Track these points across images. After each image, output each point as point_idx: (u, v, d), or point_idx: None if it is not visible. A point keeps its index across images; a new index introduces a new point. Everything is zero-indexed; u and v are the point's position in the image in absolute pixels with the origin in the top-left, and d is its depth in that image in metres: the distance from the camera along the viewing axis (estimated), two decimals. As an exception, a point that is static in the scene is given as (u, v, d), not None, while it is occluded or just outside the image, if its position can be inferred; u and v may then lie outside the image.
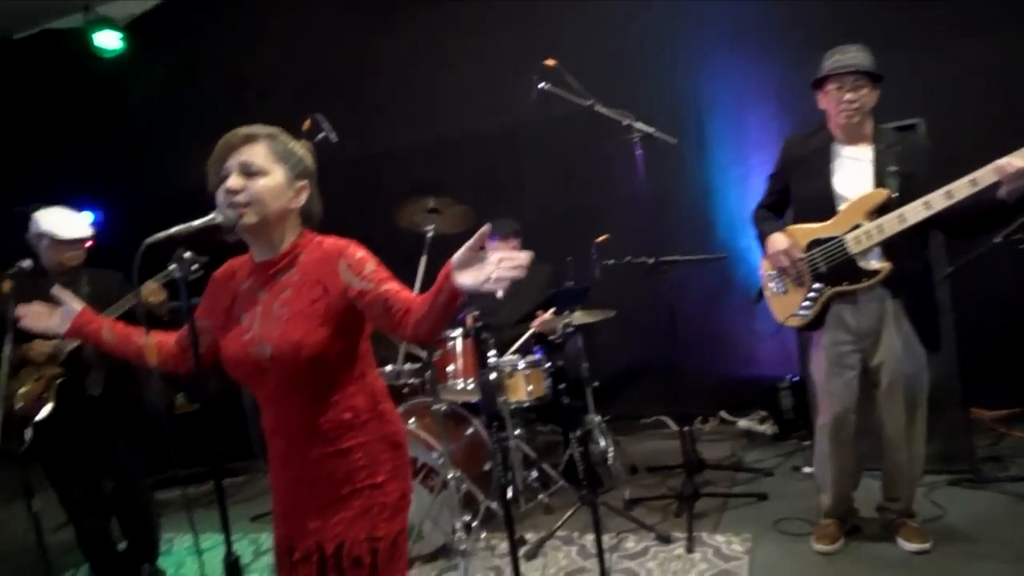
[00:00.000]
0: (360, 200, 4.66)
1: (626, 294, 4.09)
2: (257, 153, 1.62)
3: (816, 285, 2.73)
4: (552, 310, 3.81)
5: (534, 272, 4.02)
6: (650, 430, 4.67)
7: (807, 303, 2.76)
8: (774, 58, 4.23)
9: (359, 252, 1.65)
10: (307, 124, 3.87)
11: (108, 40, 5.37)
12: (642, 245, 3.76)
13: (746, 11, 4.24)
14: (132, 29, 5.47)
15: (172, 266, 3.03)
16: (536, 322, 3.82)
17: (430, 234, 3.63)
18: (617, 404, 4.59)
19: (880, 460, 2.88)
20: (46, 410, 3.16)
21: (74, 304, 1.87)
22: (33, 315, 1.92)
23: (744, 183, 4.39)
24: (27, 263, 3.06)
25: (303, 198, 1.68)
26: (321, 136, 3.82)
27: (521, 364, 3.64)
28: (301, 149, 1.72)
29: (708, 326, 4.34)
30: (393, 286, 1.59)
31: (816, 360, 2.83)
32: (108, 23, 5.37)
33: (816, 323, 2.78)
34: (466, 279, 1.38)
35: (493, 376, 2.63)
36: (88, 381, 3.26)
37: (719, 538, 3.11)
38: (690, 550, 3.03)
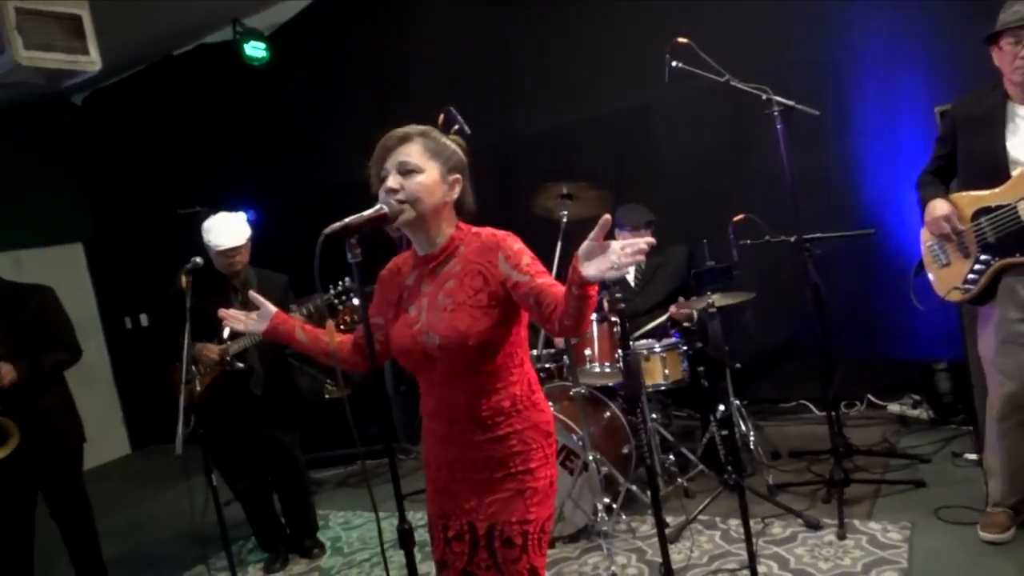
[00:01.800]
0: (496, 188, 4.75)
1: (766, 275, 3.97)
2: (412, 152, 1.69)
3: (983, 256, 2.55)
4: (692, 297, 3.76)
5: (669, 255, 4.02)
6: (791, 415, 4.50)
7: (973, 275, 2.59)
8: (930, 14, 3.93)
9: (516, 244, 1.71)
10: (441, 118, 4.01)
11: (255, 50, 5.74)
12: (782, 223, 3.64)
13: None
14: (276, 38, 5.81)
15: (329, 293, 3.16)
16: (672, 309, 3.77)
17: (565, 220, 3.66)
18: (756, 388, 4.46)
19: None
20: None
21: (269, 307, 2.03)
22: (233, 317, 2.09)
23: (893, 154, 4.13)
24: (200, 260, 3.33)
25: (457, 191, 1.75)
26: (455, 129, 3.94)
27: (657, 347, 3.63)
28: (453, 144, 1.79)
29: (855, 306, 4.13)
30: (546, 280, 1.64)
31: (985, 337, 2.65)
32: (254, 35, 5.75)
33: (983, 297, 2.61)
34: (590, 269, 1.42)
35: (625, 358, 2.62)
36: (252, 382, 3.53)
37: (873, 525, 2.98)
38: (842, 537, 2.92)
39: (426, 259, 1.76)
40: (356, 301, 3.27)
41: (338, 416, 5.11)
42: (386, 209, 1.63)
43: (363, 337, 1.89)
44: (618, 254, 1.38)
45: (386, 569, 1.92)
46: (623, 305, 2.32)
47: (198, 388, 3.37)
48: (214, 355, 3.38)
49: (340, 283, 3.32)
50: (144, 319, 7.30)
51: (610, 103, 4.81)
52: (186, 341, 3.07)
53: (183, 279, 3.20)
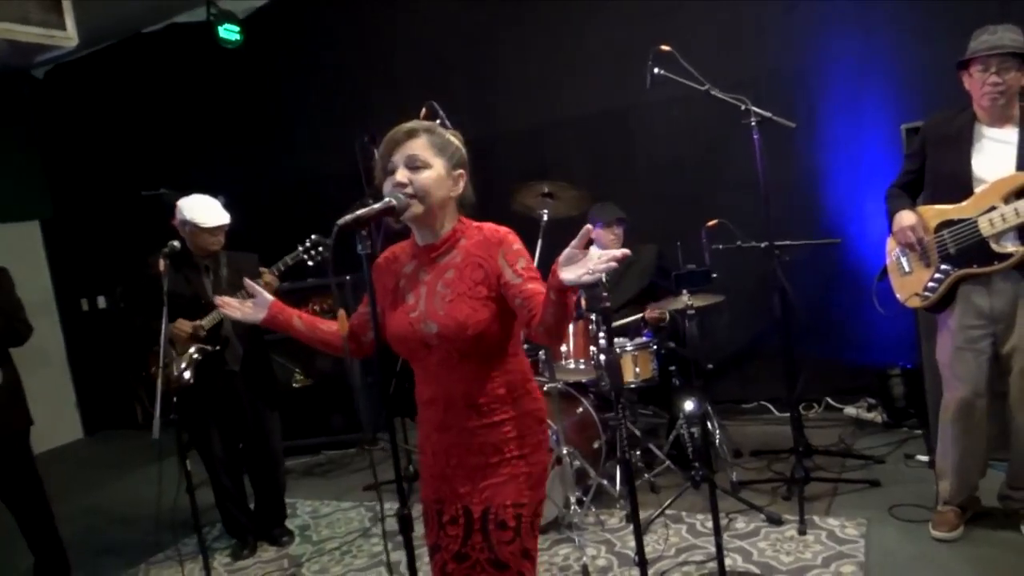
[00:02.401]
0: (474, 183, 4.81)
1: (731, 278, 4.09)
2: (419, 147, 1.73)
3: (944, 266, 2.70)
4: (661, 298, 3.87)
5: (639, 253, 4.11)
6: (751, 415, 4.65)
7: (932, 283, 2.73)
8: (896, 34, 4.10)
9: (516, 244, 1.77)
10: (423, 112, 4.03)
11: (229, 33, 5.65)
12: (749, 229, 3.78)
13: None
14: (251, 22, 5.74)
15: (302, 247, 3.29)
16: (647, 312, 3.87)
17: (545, 218, 3.73)
18: (719, 389, 4.60)
19: (1003, 451, 2.83)
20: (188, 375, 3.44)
21: (266, 295, 2.04)
22: (230, 305, 2.10)
23: (856, 166, 4.30)
24: (176, 244, 3.32)
25: (461, 186, 1.80)
26: (436, 123, 3.98)
27: (629, 346, 3.72)
28: (456, 140, 1.83)
29: (816, 311, 4.27)
30: (536, 287, 1.69)
31: (943, 342, 2.80)
32: (228, 17, 5.67)
33: (941, 304, 2.75)
34: (568, 274, 1.48)
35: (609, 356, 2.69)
36: (227, 357, 3.52)
37: (832, 521, 3.12)
38: (803, 532, 3.05)
39: (427, 249, 1.80)
40: (327, 255, 3.39)
41: (306, 404, 5.10)
42: (395, 202, 1.67)
43: (359, 324, 1.95)
44: (595, 261, 1.46)
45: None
46: (608, 304, 2.38)
47: (175, 372, 3.34)
48: (187, 328, 3.38)
49: (308, 240, 3.37)
50: (102, 301, 7.15)
51: (589, 104, 4.89)
52: (163, 325, 3.06)
53: (161, 262, 3.18)
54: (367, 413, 5.17)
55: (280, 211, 5.75)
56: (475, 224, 1.83)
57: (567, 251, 1.51)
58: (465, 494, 1.80)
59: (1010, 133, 2.61)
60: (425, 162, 1.73)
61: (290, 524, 3.89)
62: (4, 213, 6.68)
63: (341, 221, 1.57)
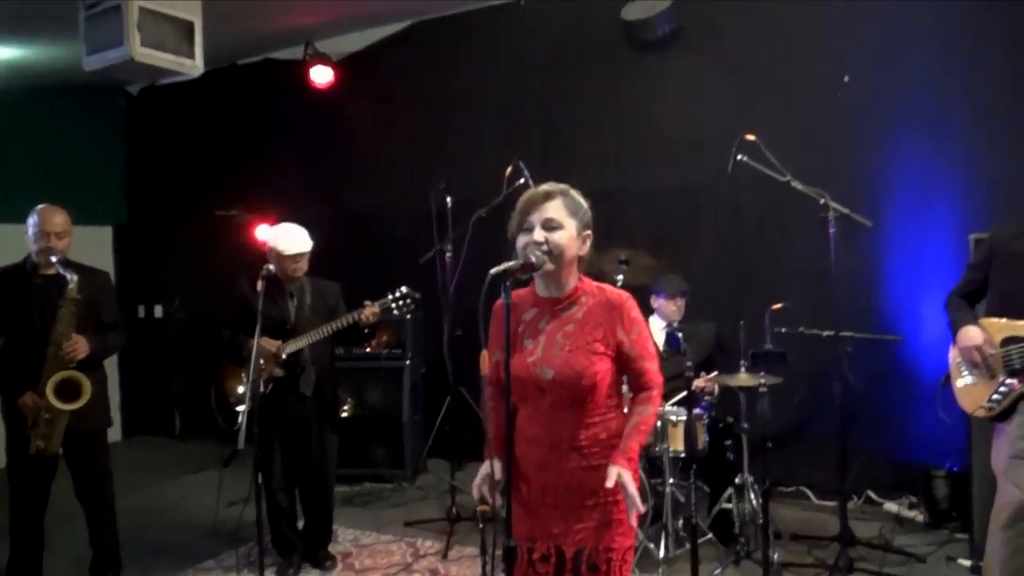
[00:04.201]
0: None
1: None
2: (555, 209, 1.92)
3: (1009, 380, 2.79)
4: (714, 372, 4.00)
5: (697, 327, 4.25)
6: (789, 499, 4.70)
7: (997, 396, 2.82)
8: (967, 143, 4.29)
9: (634, 311, 1.97)
10: (510, 169, 4.27)
11: (321, 74, 5.99)
12: (809, 316, 3.91)
13: (946, 98, 4.34)
14: (343, 64, 6.08)
15: (392, 295, 3.49)
16: (699, 381, 3.99)
17: (619, 283, 3.89)
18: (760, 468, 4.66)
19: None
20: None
21: (489, 464, 2.04)
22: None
23: (916, 268, 4.43)
24: (272, 267, 3.54)
25: (588, 246, 1.98)
26: (520, 182, 4.20)
27: (683, 416, 3.82)
28: (585, 203, 2.02)
29: (865, 404, 4.36)
30: (645, 365, 1.99)
31: (999, 450, 2.87)
32: (323, 58, 6.01)
33: (1003, 415, 2.84)
34: (612, 473, 1.86)
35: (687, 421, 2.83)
36: (302, 382, 3.69)
37: (874, 613, 3.16)
38: (845, 620, 3.10)
39: (551, 301, 1.97)
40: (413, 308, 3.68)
41: (352, 434, 5.22)
42: (533, 258, 1.84)
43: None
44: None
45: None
46: (691, 373, 2.52)
47: (262, 388, 3.51)
48: (272, 348, 3.55)
49: (399, 290, 3.57)
50: (158, 310, 7.40)
51: (658, 177, 5.10)
52: (255, 342, 3.24)
53: (259, 283, 3.38)
54: (411, 450, 5.28)
55: (350, 245, 5.98)
56: (596, 285, 2.00)
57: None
58: (559, 534, 1.93)
59: (1081, 256, 2.74)
60: (560, 224, 1.91)
61: (332, 549, 3.99)
62: (81, 215, 6.97)
63: (495, 271, 1.75)
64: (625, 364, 1.97)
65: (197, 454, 6.15)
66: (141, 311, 7.44)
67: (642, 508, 1.93)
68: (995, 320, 2.86)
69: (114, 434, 7.23)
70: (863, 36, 4.53)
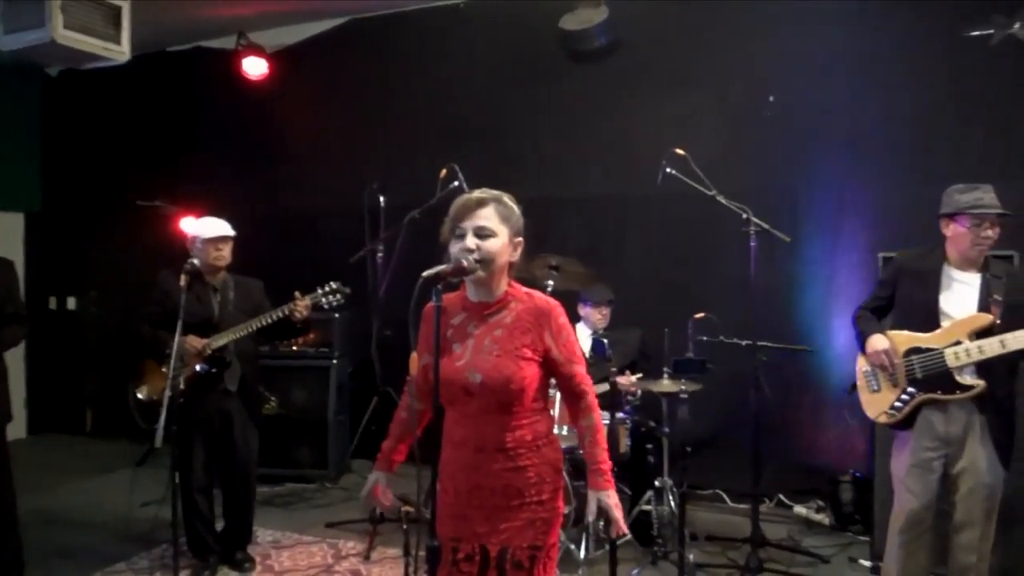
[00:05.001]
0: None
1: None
2: (488, 216, 1.95)
3: (910, 389, 2.98)
4: (638, 375, 4.10)
5: (623, 334, 4.36)
6: (706, 502, 4.85)
7: (899, 403, 3.01)
8: (879, 173, 4.56)
9: (562, 318, 2.03)
10: (443, 173, 4.28)
11: (255, 66, 5.88)
12: (729, 326, 4.07)
13: (862, 125, 4.59)
14: (278, 57, 5.97)
15: (322, 289, 3.49)
16: (621, 378, 4.08)
17: (549, 290, 3.95)
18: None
19: (941, 565, 3.08)
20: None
21: (371, 481, 2.19)
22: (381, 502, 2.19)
23: (829, 283, 4.66)
24: (196, 262, 3.47)
25: (519, 253, 2.02)
26: (455, 184, 4.22)
27: (607, 420, 3.90)
28: (518, 210, 2.05)
29: (777, 412, 4.54)
30: (574, 369, 2.05)
31: (899, 458, 3.06)
32: (256, 50, 5.89)
33: (904, 423, 3.03)
34: (592, 503, 2.04)
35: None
36: (226, 377, 3.62)
37: (781, 612, 3.31)
38: (754, 618, 3.23)
39: (480, 305, 2.01)
40: (343, 302, 3.63)
41: (273, 434, 5.12)
42: (465, 264, 1.87)
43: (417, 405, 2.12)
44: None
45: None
46: (615, 378, 2.59)
47: (182, 385, 3.42)
48: (197, 345, 3.48)
49: (328, 284, 3.54)
50: (71, 303, 7.10)
51: (592, 186, 5.21)
52: (176, 337, 3.17)
53: (182, 278, 3.30)
54: (335, 450, 5.22)
55: (279, 242, 5.88)
56: (525, 291, 2.05)
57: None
58: (483, 533, 1.97)
59: (974, 277, 2.95)
60: (492, 231, 1.94)
61: (251, 551, 3.91)
62: (-9, 199, 6.66)
63: (426, 273, 1.77)
64: (554, 369, 2.03)
65: (109, 453, 5.94)
66: (53, 303, 7.12)
67: (625, 528, 2.08)
68: (899, 332, 3.05)
69: (19, 431, 6.95)
70: (787, 62, 4.76)
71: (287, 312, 3.51)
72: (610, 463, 2.09)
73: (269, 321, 3.52)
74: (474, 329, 2.00)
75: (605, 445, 2.09)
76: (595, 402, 2.11)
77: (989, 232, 2.88)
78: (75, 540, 4.21)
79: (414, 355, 1.82)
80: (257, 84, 5.94)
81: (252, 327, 3.54)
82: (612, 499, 2.05)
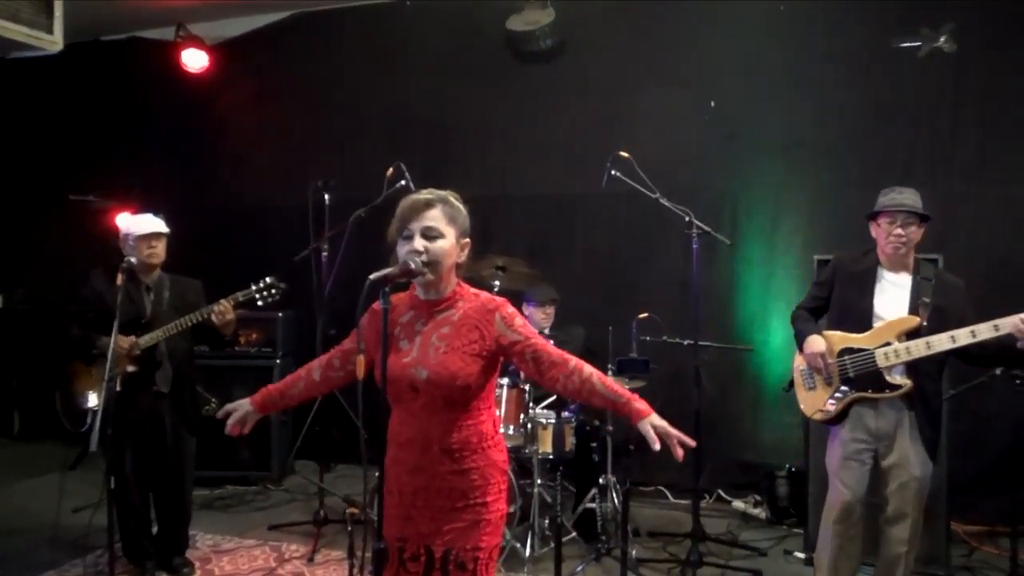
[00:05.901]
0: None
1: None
2: (435, 217, 1.95)
3: (843, 387, 3.09)
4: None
5: (568, 333, 4.41)
6: (649, 498, 4.94)
7: (832, 401, 3.12)
8: (813, 178, 4.71)
9: (510, 308, 2.03)
10: (390, 171, 4.25)
11: (194, 58, 5.73)
12: (671, 325, 4.15)
13: (797, 131, 4.74)
14: (219, 49, 5.83)
15: (256, 285, 3.43)
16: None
17: (496, 290, 3.96)
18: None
19: (872, 555, 3.21)
20: (93, 399, 3.43)
21: (245, 404, 2.24)
22: (236, 423, 2.25)
23: (767, 282, 4.80)
24: (133, 260, 3.37)
25: (466, 253, 2.03)
26: (401, 184, 4.19)
27: (552, 419, 3.95)
28: (464, 210, 2.06)
29: (719, 409, 4.65)
30: (540, 341, 2.00)
31: (832, 451, 3.17)
32: (196, 42, 5.74)
33: (837, 419, 3.14)
34: (648, 431, 1.89)
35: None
36: (158, 378, 3.53)
37: (719, 604, 3.40)
38: (694, 611, 3.31)
39: (428, 304, 2.01)
40: (278, 298, 3.57)
41: (214, 435, 5.00)
42: (412, 266, 1.87)
43: (332, 367, 2.18)
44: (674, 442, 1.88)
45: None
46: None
47: (118, 387, 3.32)
48: (125, 344, 3.38)
49: (263, 280, 3.48)
50: (-2, 300, 6.79)
51: (537, 186, 5.24)
52: (112, 338, 3.08)
53: (120, 277, 3.20)
54: (278, 452, 5.14)
55: (220, 240, 5.75)
56: (472, 291, 2.06)
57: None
58: (428, 533, 1.97)
59: (905, 279, 3.08)
60: (440, 232, 1.95)
61: (190, 555, 3.82)
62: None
63: (374, 276, 1.76)
64: (516, 353, 1.96)
65: (38, 456, 5.70)
66: (-21, 301, 6.79)
67: (691, 442, 1.90)
68: (834, 333, 3.16)
69: (-60, 435, 6.62)
70: (726, 68, 4.87)
71: (205, 316, 3.43)
72: (631, 394, 1.98)
73: (192, 323, 3.44)
74: (422, 327, 2.00)
75: (614, 382, 2.00)
76: (582, 362, 2.02)
77: (900, 231, 2.99)
78: (3, 546, 4.04)
79: (361, 357, 1.81)
80: (197, 77, 5.79)
81: (180, 326, 3.45)
82: (658, 420, 1.91)
